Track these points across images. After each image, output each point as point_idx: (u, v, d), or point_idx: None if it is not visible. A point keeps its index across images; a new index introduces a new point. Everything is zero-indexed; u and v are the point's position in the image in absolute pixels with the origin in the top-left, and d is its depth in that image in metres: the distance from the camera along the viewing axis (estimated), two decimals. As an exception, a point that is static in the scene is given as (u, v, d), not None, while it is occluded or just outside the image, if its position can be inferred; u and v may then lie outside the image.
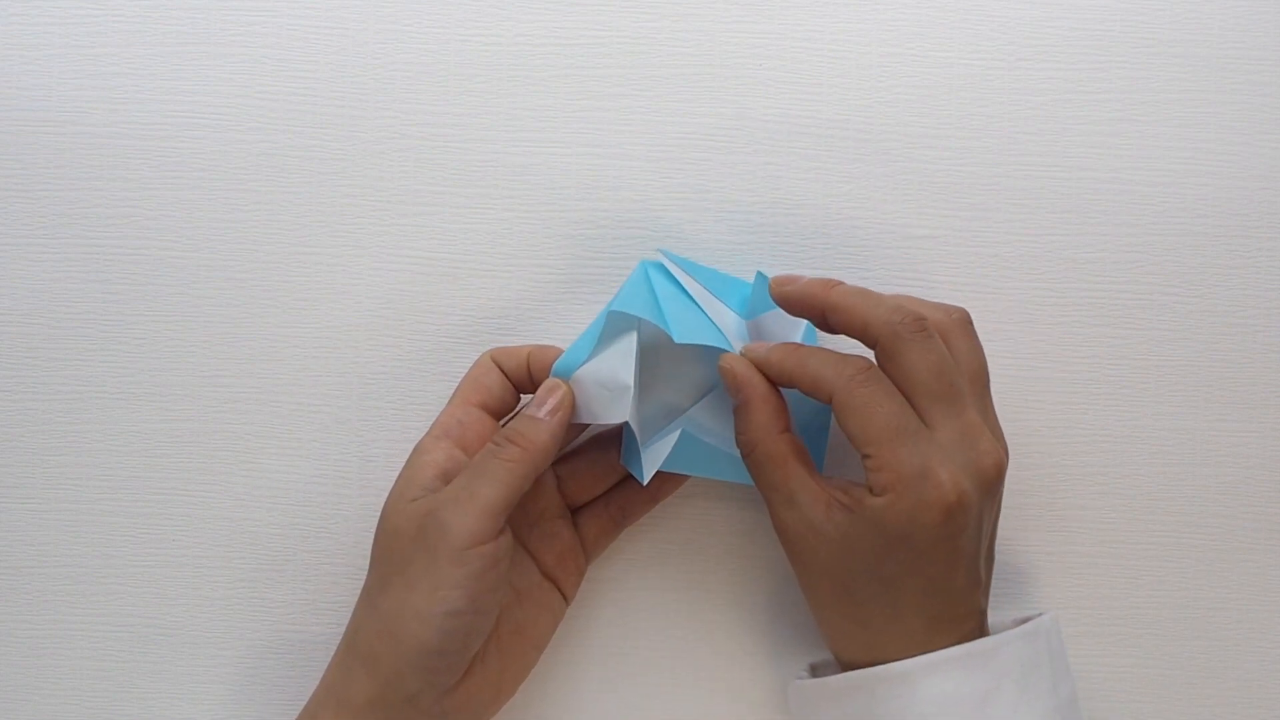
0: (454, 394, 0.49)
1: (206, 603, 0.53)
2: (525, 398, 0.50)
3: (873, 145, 0.53)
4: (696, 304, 0.49)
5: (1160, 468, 0.54)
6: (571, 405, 0.47)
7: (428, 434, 0.48)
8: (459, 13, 0.53)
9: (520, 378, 0.49)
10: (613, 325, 0.48)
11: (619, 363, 0.47)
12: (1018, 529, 0.53)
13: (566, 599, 0.50)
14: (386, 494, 0.52)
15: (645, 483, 0.47)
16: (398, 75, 0.53)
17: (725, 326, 0.49)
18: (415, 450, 0.48)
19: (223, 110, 0.53)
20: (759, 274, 0.49)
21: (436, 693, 0.45)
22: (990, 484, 0.45)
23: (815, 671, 0.50)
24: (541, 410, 0.47)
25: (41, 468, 0.53)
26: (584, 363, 0.47)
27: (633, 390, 0.47)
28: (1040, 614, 0.48)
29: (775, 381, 0.47)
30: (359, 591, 0.53)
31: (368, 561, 0.53)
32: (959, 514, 0.44)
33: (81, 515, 0.53)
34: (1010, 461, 0.50)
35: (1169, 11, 0.54)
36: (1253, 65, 0.54)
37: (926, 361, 0.45)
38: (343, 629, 0.53)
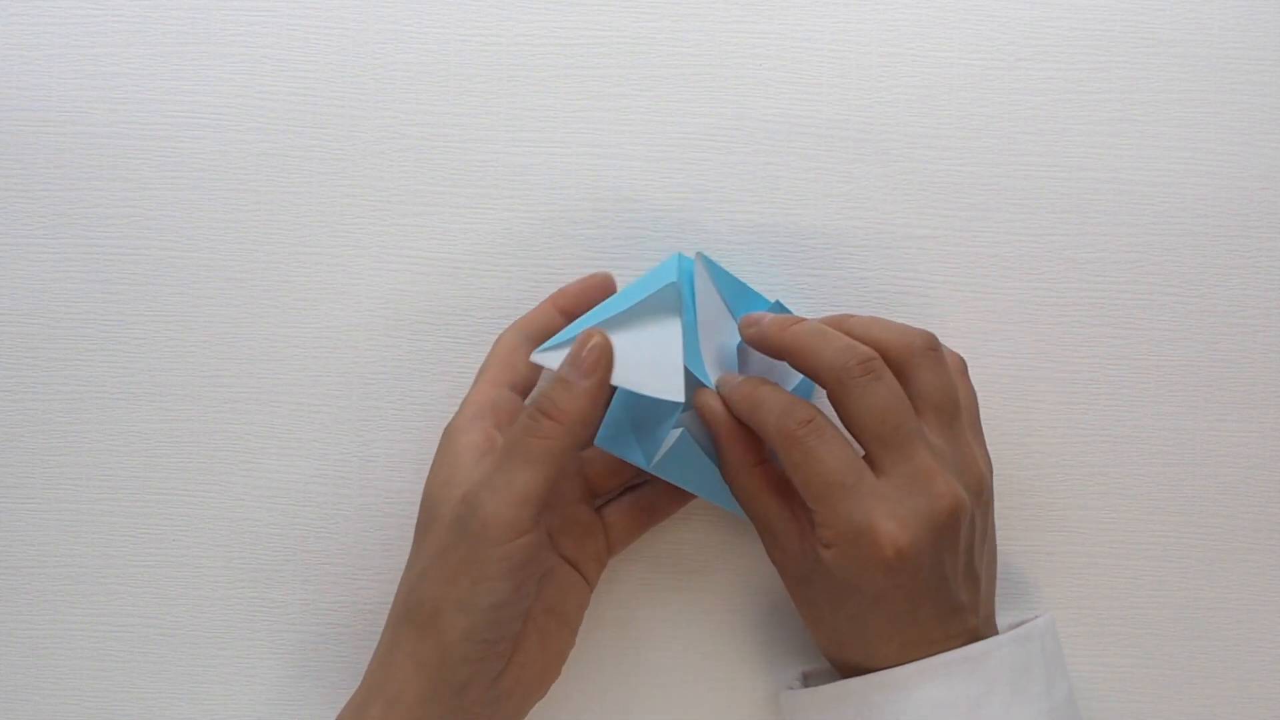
0: (480, 374, 0.49)
1: (206, 603, 0.53)
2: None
3: (873, 145, 0.53)
4: (722, 307, 0.49)
5: (1160, 468, 0.54)
6: (610, 361, 0.44)
7: (461, 415, 0.47)
8: (459, 13, 0.53)
9: (552, 329, 0.49)
10: (654, 303, 0.46)
11: (666, 336, 0.45)
12: (1017, 529, 0.53)
13: (589, 583, 0.49)
14: (386, 493, 0.52)
15: (650, 465, 0.47)
16: (398, 75, 0.53)
17: (730, 349, 0.49)
18: (449, 433, 0.47)
19: (223, 110, 0.53)
20: (777, 303, 0.49)
21: (485, 681, 0.45)
22: (943, 526, 0.44)
23: (807, 680, 0.50)
24: (577, 372, 0.44)
25: (41, 468, 0.53)
26: (622, 322, 0.45)
27: (683, 369, 0.45)
28: (1036, 616, 0.48)
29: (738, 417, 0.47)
30: (358, 591, 0.53)
31: (367, 562, 0.53)
32: (901, 566, 0.43)
33: (81, 515, 0.53)
34: (1010, 462, 0.50)
35: (1169, 11, 0.54)
36: (1253, 65, 0.54)
37: (871, 406, 0.44)
38: (342, 629, 0.53)
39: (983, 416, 0.51)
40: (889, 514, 0.43)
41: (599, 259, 0.53)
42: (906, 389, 0.45)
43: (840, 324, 0.47)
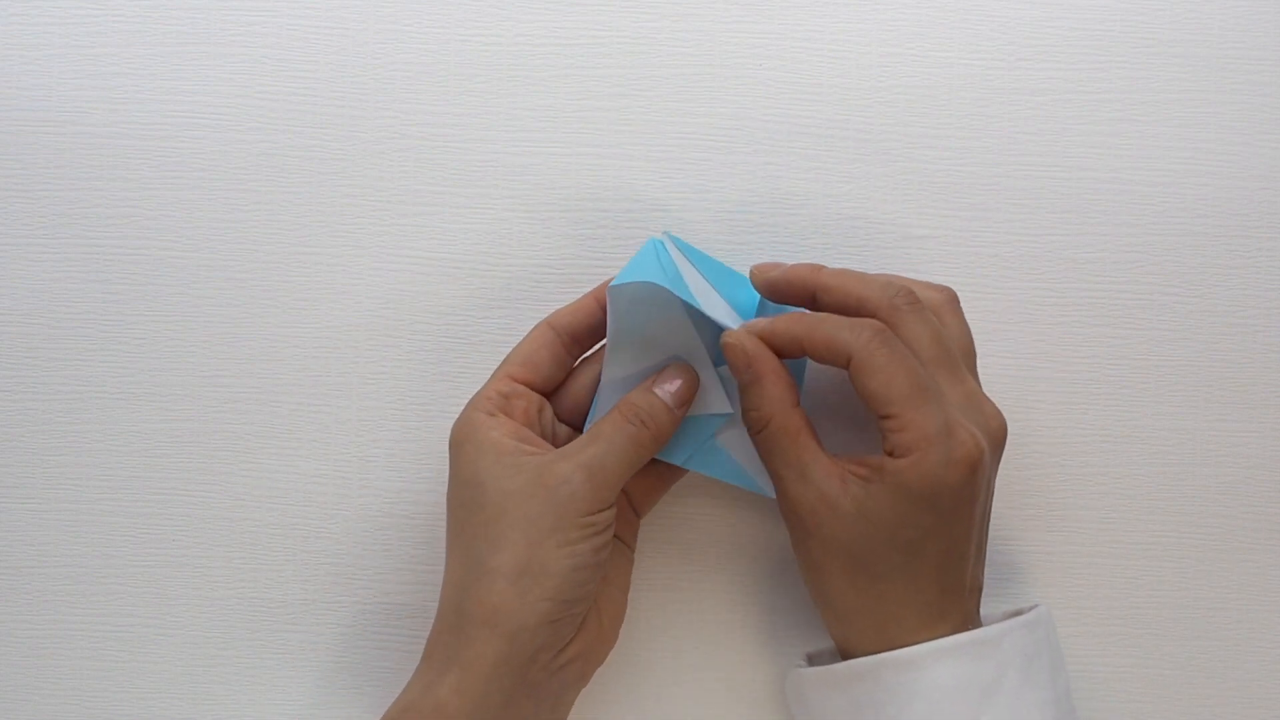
0: (501, 365, 0.49)
1: (206, 603, 0.53)
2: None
3: (873, 145, 0.53)
4: (703, 281, 0.49)
5: (1160, 468, 0.54)
6: (694, 395, 0.48)
7: (475, 408, 0.47)
8: (459, 13, 0.53)
9: (589, 324, 0.49)
10: (664, 318, 0.48)
11: (690, 347, 0.48)
12: (1017, 528, 0.53)
13: (630, 547, 0.50)
14: (386, 493, 0.52)
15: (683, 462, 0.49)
16: (398, 75, 0.53)
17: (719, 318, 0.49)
18: (474, 423, 0.47)
19: (223, 110, 0.53)
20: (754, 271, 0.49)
21: (556, 648, 0.45)
22: (999, 446, 0.46)
23: (812, 661, 0.50)
24: (670, 396, 0.47)
25: (41, 468, 0.53)
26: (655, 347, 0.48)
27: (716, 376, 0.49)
28: (1034, 606, 0.48)
29: (782, 352, 0.47)
30: (358, 591, 0.53)
31: (367, 562, 0.53)
32: (980, 471, 0.45)
33: (81, 515, 0.53)
34: (1010, 461, 0.50)
35: (1169, 11, 0.54)
36: (1253, 65, 0.54)
37: (927, 331, 0.46)
38: (343, 629, 0.53)
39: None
40: (963, 420, 0.45)
41: (599, 259, 0.53)
42: None
43: (813, 277, 0.47)
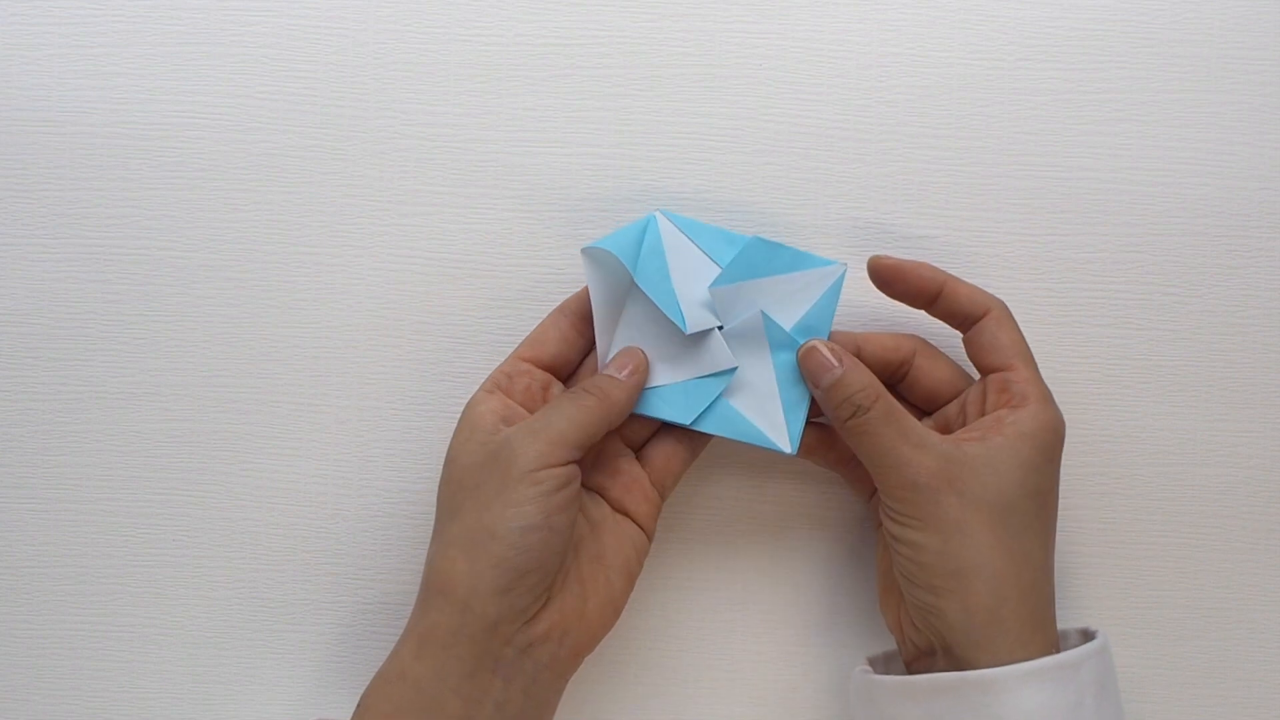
0: (515, 351, 0.50)
1: (206, 603, 0.53)
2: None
3: (873, 145, 0.53)
4: (697, 254, 0.50)
5: (1160, 468, 0.54)
6: (646, 369, 0.49)
7: (482, 387, 0.49)
8: (459, 13, 0.53)
9: (590, 315, 0.50)
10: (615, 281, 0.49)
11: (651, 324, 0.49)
12: (1018, 529, 0.53)
13: (645, 532, 0.50)
14: (386, 493, 0.52)
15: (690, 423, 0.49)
16: (398, 75, 0.53)
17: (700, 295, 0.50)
18: (469, 404, 0.48)
19: (223, 110, 0.53)
20: (755, 239, 0.49)
21: (517, 620, 0.45)
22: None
23: (875, 667, 0.50)
24: (621, 373, 0.48)
25: (41, 468, 0.53)
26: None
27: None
28: (1094, 630, 0.48)
29: (914, 291, 0.49)
30: (358, 591, 0.53)
31: (367, 562, 0.53)
32: (1061, 443, 0.48)
33: (81, 515, 0.53)
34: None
35: (1169, 11, 0.54)
36: (1253, 65, 0.54)
37: (1021, 335, 0.50)
38: (343, 629, 0.53)
39: (983, 416, 0.51)
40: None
41: (599, 259, 0.53)
42: (1003, 334, 0.49)
43: (943, 281, 0.50)
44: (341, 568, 0.53)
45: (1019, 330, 0.49)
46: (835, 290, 0.49)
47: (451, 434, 0.48)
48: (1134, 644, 0.53)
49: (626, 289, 0.49)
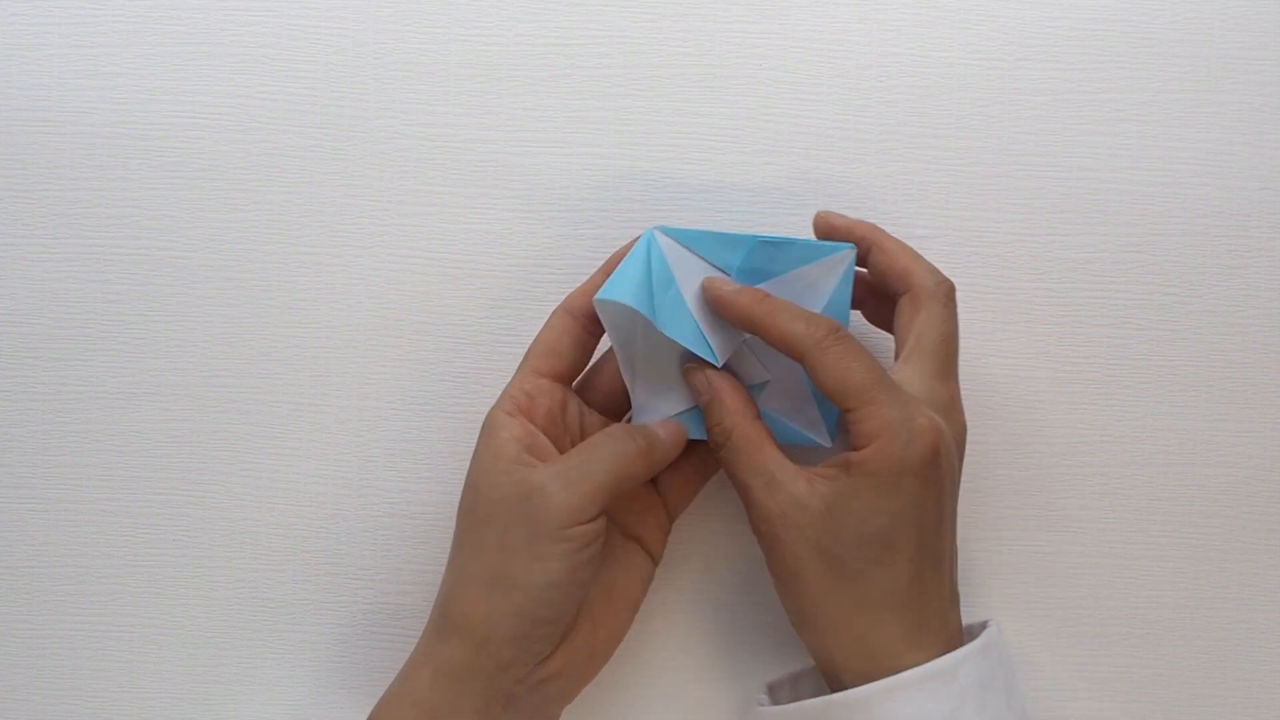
0: (524, 361, 0.49)
1: (206, 603, 0.53)
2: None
3: (873, 145, 0.53)
4: (700, 265, 0.49)
5: (1160, 468, 0.54)
6: (683, 442, 0.48)
7: (499, 406, 0.47)
8: (459, 13, 0.53)
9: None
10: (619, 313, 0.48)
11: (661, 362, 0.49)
12: (1018, 529, 0.53)
13: (653, 558, 0.50)
14: (386, 493, 0.52)
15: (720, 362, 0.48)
16: (398, 75, 0.53)
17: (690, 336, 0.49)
18: (490, 425, 0.47)
19: (223, 110, 0.53)
20: (754, 240, 0.48)
21: (530, 662, 0.45)
22: (962, 448, 0.47)
23: (772, 690, 0.50)
24: (667, 436, 0.47)
25: (41, 468, 0.53)
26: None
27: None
28: (985, 623, 0.48)
29: (738, 323, 0.47)
30: (358, 591, 0.53)
31: (367, 562, 0.53)
32: (944, 454, 0.45)
33: (81, 515, 0.53)
34: (1010, 461, 0.50)
35: (1169, 11, 0.54)
36: (1253, 65, 0.54)
37: (947, 327, 0.47)
38: (343, 629, 0.53)
39: (983, 416, 0.51)
40: (923, 409, 0.45)
41: (599, 259, 0.53)
42: (915, 321, 0.47)
43: (873, 234, 0.49)
44: (341, 568, 0.53)
45: (852, 354, 0.45)
46: (848, 275, 0.49)
47: (471, 454, 0.47)
48: (1134, 644, 0.53)
49: (646, 322, 0.48)
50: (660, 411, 0.49)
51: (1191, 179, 0.54)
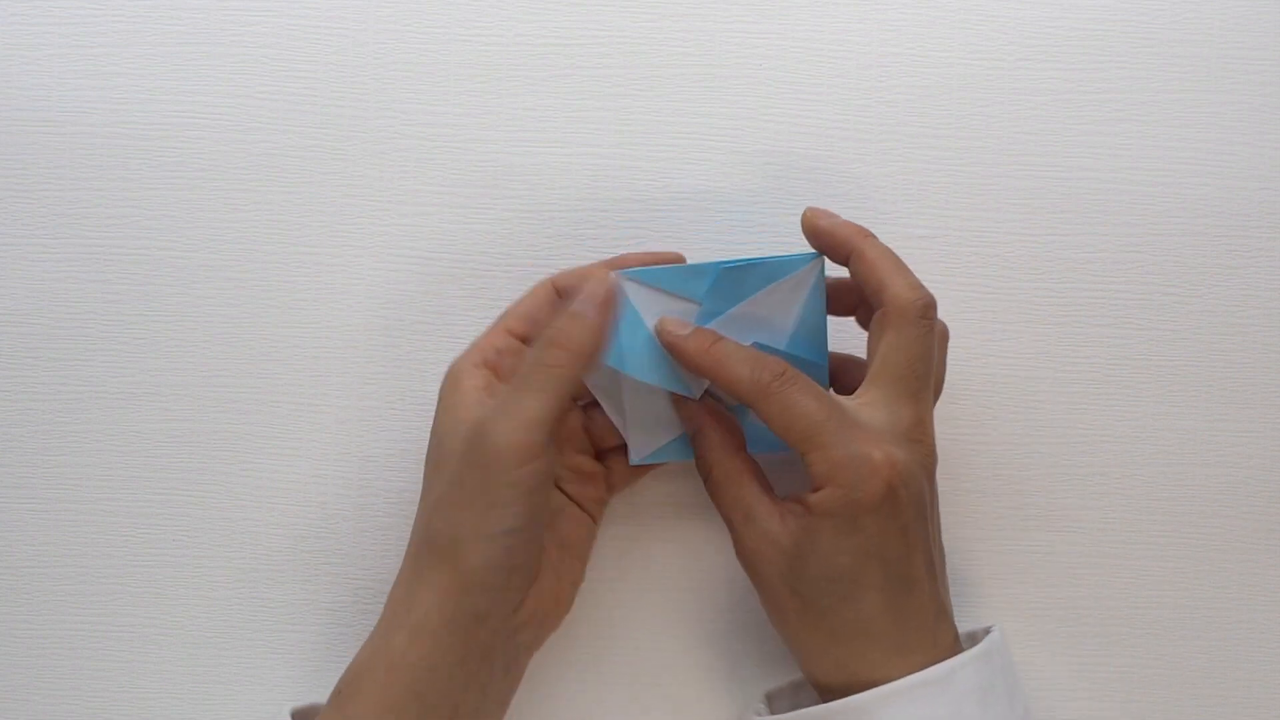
0: (502, 316, 0.49)
1: (206, 603, 0.53)
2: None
3: (873, 145, 0.53)
4: (664, 300, 0.48)
5: (1160, 468, 0.54)
6: (613, 298, 0.45)
7: (466, 358, 0.47)
8: (459, 13, 0.53)
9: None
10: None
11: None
12: (1018, 529, 0.53)
13: (594, 519, 0.50)
14: (386, 494, 0.52)
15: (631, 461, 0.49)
16: (398, 75, 0.53)
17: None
18: (453, 374, 0.47)
19: (223, 110, 0.53)
20: (719, 268, 0.47)
21: (505, 610, 0.45)
22: (931, 469, 0.46)
23: (770, 699, 0.50)
24: (591, 307, 0.45)
25: (41, 468, 0.53)
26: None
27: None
28: (989, 629, 0.48)
29: (688, 369, 0.47)
30: (358, 591, 0.53)
31: (367, 562, 0.53)
32: (900, 489, 0.44)
33: (81, 515, 0.53)
34: (1010, 461, 0.50)
35: (1169, 11, 0.54)
36: (1253, 65, 0.54)
37: (917, 348, 0.46)
38: (343, 629, 0.53)
39: (983, 416, 0.51)
40: (879, 443, 0.44)
41: (599, 259, 0.53)
42: (883, 341, 0.46)
43: (856, 240, 0.47)
44: (341, 568, 0.53)
45: (801, 394, 0.45)
46: (819, 286, 0.48)
47: (438, 400, 0.47)
48: (1134, 644, 0.53)
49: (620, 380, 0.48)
50: (658, 442, 0.49)
51: (1191, 179, 0.54)
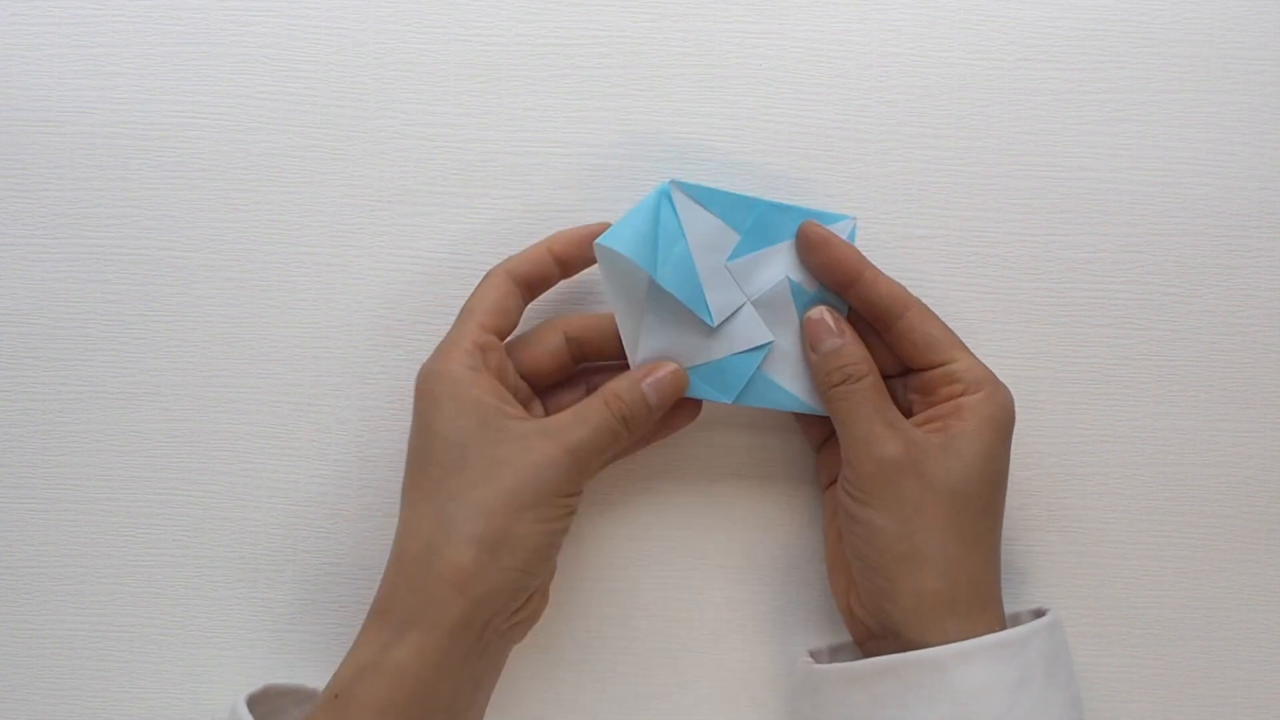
0: (469, 313, 0.48)
1: (206, 603, 0.53)
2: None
3: (873, 145, 0.53)
4: (714, 222, 0.49)
5: (1160, 468, 0.54)
6: (680, 392, 0.49)
7: (456, 360, 0.47)
8: (459, 13, 0.53)
9: (544, 275, 0.50)
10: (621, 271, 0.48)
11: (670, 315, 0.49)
12: (1018, 529, 0.53)
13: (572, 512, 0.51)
14: (386, 494, 0.52)
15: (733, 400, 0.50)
16: (398, 75, 0.53)
17: (718, 266, 0.49)
18: (447, 378, 0.47)
19: (223, 110, 0.53)
20: (768, 204, 0.49)
21: (508, 614, 0.46)
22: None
23: (818, 659, 0.50)
24: (654, 392, 0.48)
25: (41, 468, 0.53)
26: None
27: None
28: (1045, 610, 0.49)
29: (833, 269, 0.49)
30: (358, 591, 0.53)
31: (367, 562, 0.53)
32: (1011, 422, 0.49)
33: (81, 515, 0.53)
34: (1012, 461, 0.50)
35: (1169, 11, 0.54)
36: (1253, 65, 0.54)
37: (947, 326, 0.49)
38: (343, 629, 0.53)
39: (983, 416, 0.51)
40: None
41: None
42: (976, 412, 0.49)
43: (862, 260, 0.49)
44: (341, 568, 0.53)
45: (943, 322, 0.49)
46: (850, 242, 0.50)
47: (423, 404, 0.47)
48: (1134, 644, 0.53)
49: (648, 277, 0.48)
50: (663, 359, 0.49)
51: (1191, 179, 0.54)
